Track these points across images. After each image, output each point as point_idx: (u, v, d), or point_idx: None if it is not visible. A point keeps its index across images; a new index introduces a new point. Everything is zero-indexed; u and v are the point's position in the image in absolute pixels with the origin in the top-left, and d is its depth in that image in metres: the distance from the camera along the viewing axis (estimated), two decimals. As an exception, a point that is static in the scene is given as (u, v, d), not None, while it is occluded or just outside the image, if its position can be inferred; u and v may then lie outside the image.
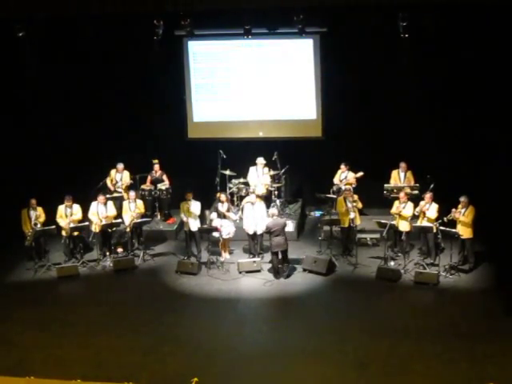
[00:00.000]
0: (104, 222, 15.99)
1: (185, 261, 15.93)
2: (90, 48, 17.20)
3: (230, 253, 16.39)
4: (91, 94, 18.14)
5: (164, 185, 17.96)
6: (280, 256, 15.07)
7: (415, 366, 11.56)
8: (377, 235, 16.58)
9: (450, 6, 15.42)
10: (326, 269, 15.20)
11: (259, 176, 17.46)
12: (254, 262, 15.62)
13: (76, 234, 16.24)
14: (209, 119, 19.00)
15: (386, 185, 16.84)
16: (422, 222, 15.22)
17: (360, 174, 17.12)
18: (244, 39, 17.51)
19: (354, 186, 16.85)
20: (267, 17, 16.90)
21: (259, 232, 15.90)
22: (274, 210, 15.53)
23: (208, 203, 17.42)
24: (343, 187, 16.82)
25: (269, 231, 15.07)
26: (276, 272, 15.18)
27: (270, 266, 15.53)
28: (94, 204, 16.15)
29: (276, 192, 17.86)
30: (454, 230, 14.69)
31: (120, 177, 17.74)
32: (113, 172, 17.73)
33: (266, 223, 15.29)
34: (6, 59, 17.31)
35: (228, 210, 16.07)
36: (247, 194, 17.05)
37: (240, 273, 15.46)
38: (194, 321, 13.48)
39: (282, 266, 15.14)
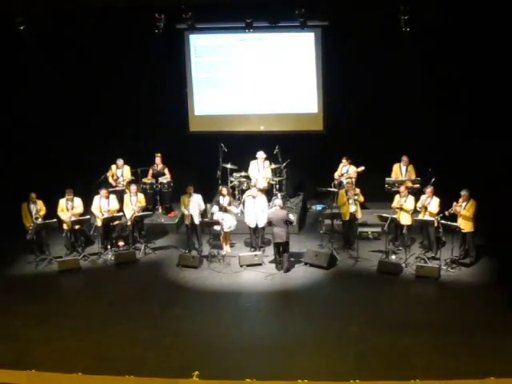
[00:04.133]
0: (106, 216, 16.00)
1: (186, 254, 15.95)
2: (90, 42, 17.17)
3: (231, 246, 16.39)
4: (92, 88, 18.11)
5: (165, 178, 17.99)
6: (281, 248, 15.09)
7: (416, 359, 11.56)
8: (378, 229, 16.58)
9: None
10: (327, 262, 15.20)
11: (260, 170, 17.48)
12: (255, 255, 15.63)
13: (77, 227, 16.26)
14: (210, 113, 19.02)
15: (387, 178, 16.84)
16: (424, 216, 15.22)
17: (361, 168, 17.14)
18: (245, 33, 17.50)
19: (354, 179, 16.84)
20: (268, 10, 16.90)
21: (260, 225, 15.92)
22: (277, 201, 15.53)
23: (209, 197, 17.42)
24: (344, 181, 16.80)
25: (269, 222, 15.10)
26: (276, 263, 15.22)
27: (271, 259, 15.58)
28: (96, 198, 16.17)
29: (277, 186, 17.88)
30: (454, 224, 14.68)
31: (121, 172, 17.75)
32: (113, 167, 17.74)
33: (268, 212, 15.43)
34: (6, 53, 17.28)
35: (229, 204, 16.06)
36: (248, 188, 17.04)
37: (241, 266, 15.46)
38: (195, 314, 13.49)
39: (282, 259, 15.14)
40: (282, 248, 15.08)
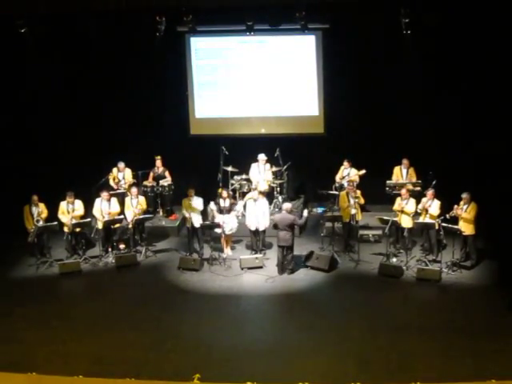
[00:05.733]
0: (107, 218, 15.99)
1: (187, 257, 15.94)
2: (91, 45, 17.20)
3: (232, 248, 16.38)
4: (93, 91, 18.15)
5: (166, 181, 18.00)
6: (285, 252, 15.09)
7: (417, 362, 11.54)
8: (379, 232, 16.58)
9: (452, 2, 15.44)
10: (328, 265, 15.19)
11: (261, 172, 17.49)
12: (256, 258, 15.62)
13: (78, 230, 16.25)
14: (211, 115, 19.03)
15: (388, 181, 16.84)
16: (424, 219, 15.22)
17: (363, 171, 17.12)
18: (246, 35, 17.54)
19: (356, 183, 16.83)
20: (269, 13, 16.92)
21: (261, 228, 15.91)
22: (286, 205, 15.46)
23: (210, 199, 17.39)
24: (345, 184, 16.80)
25: (275, 225, 15.10)
26: (279, 266, 15.21)
27: (272, 262, 15.57)
28: (97, 200, 16.16)
29: (278, 188, 17.90)
30: (455, 227, 14.67)
31: (122, 175, 17.77)
32: (115, 170, 17.75)
33: (275, 216, 15.44)
34: (7, 55, 17.29)
35: (230, 206, 16.02)
36: (249, 191, 17.05)
37: (242, 269, 15.45)
38: (195, 317, 13.46)
39: (285, 262, 15.13)
40: (285, 251, 15.08)
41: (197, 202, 15.97)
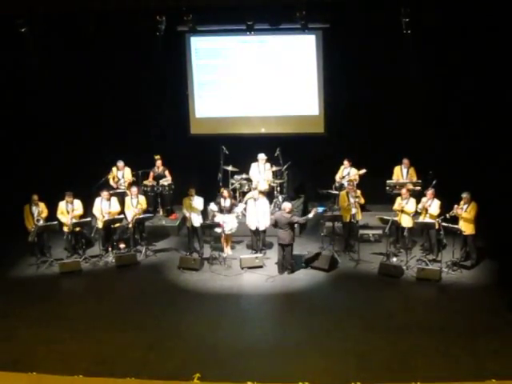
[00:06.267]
0: (107, 218, 15.99)
1: (187, 256, 15.93)
2: (91, 44, 17.17)
3: (232, 248, 16.38)
4: (93, 90, 18.15)
5: (166, 180, 17.99)
6: (284, 250, 15.08)
7: (417, 361, 11.54)
8: (379, 231, 16.58)
9: (452, 2, 15.45)
10: (328, 265, 15.19)
11: (261, 172, 17.50)
12: (257, 257, 15.61)
13: (78, 229, 16.24)
14: (211, 115, 19.02)
15: (388, 181, 16.84)
16: (424, 218, 15.22)
17: (363, 171, 17.12)
18: (246, 35, 17.51)
19: (356, 182, 16.84)
20: (269, 12, 16.91)
21: (261, 228, 15.90)
22: (285, 204, 15.42)
23: (211, 199, 17.39)
24: (346, 183, 16.80)
25: (275, 223, 15.10)
26: (279, 266, 15.21)
27: (272, 262, 15.59)
28: (97, 200, 16.16)
29: (278, 188, 17.89)
30: (456, 227, 14.66)
31: (122, 174, 17.76)
32: (114, 170, 17.75)
33: (274, 214, 15.45)
34: (7, 55, 17.28)
35: (231, 206, 16.01)
36: (250, 190, 17.05)
37: (242, 269, 15.45)
38: (196, 316, 13.46)
39: (285, 262, 15.12)
40: (284, 250, 15.07)
41: (197, 202, 15.99)
